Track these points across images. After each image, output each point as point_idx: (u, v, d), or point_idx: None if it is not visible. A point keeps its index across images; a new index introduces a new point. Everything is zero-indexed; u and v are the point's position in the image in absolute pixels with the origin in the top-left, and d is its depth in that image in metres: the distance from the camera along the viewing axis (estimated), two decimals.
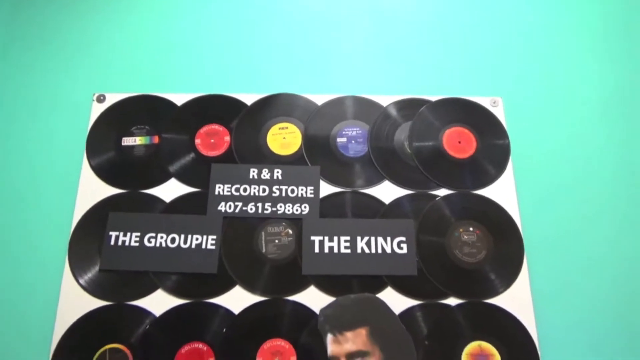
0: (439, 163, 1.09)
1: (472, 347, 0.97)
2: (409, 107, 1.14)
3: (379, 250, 1.01)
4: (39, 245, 0.99)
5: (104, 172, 1.04)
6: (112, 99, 1.10)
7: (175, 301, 0.95)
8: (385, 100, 1.14)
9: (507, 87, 1.18)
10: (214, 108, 1.11)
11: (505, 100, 1.15)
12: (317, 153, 1.08)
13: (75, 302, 0.94)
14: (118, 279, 0.96)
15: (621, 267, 1.04)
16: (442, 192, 1.07)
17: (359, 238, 1.01)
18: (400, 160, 1.09)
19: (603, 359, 0.97)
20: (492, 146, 1.11)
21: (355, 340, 0.94)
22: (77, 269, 0.96)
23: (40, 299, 0.95)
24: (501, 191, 1.07)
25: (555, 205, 1.08)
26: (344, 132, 1.10)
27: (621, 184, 1.11)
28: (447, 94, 1.15)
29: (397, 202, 1.05)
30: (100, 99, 1.09)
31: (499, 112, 1.14)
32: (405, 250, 1.01)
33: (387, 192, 1.06)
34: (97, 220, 1.00)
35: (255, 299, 0.96)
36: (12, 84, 1.12)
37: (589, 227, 1.07)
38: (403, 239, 1.02)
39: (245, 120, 1.10)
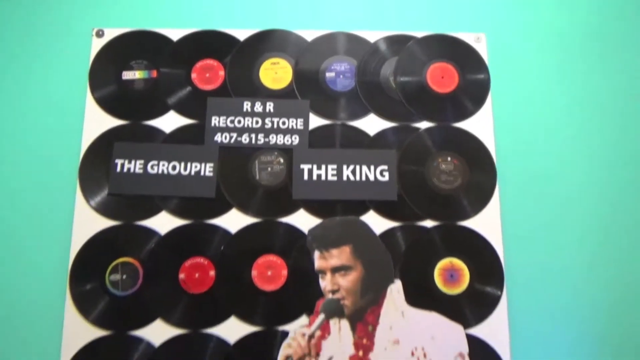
0: (422, 97, 1.16)
1: (444, 263, 1.08)
2: (396, 43, 1.19)
3: (363, 178, 1.10)
4: (50, 172, 1.08)
5: (107, 105, 1.11)
6: (110, 34, 1.14)
7: (178, 222, 1.06)
8: (373, 36, 1.19)
9: (490, 24, 1.22)
10: (209, 43, 1.16)
11: (488, 36, 1.20)
12: (307, 87, 1.15)
13: (88, 222, 1.05)
14: (126, 202, 1.07)
15: (589, 200, 1.14)
16: (424, 124, 1.15)
17: (344, 166, 1.10)
18: (385, 95, 1.16)
19: (563, 276, 1.10)
20: (473, 81, 1.17)
21: (339, 256, 1.06)
22: (88, 193, 1.06)
23: (56, 220, 1.06)
24: (479, 125, 1.15)
25: (531, 140, 1.16)
26: (332, 67, 1.16)
27: (600, 123, 1.18)
28: (433, 31, 1.20)
29: (381, 133, 1.13)
30: (99, 34, 1.14)
31: (481, 49, 1.19)
32: (387, 178, 1.10)
33: (372, 124, 1.13)
34: (103, 148, 1.08)
35: (250, 220, 1.07)
36: (11, 20, 1.16)
37: (562, 165, 1.15)
38: (385, 167, 1.10)
39: (239, 56, 1.16)
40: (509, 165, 1.14)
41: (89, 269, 1.03)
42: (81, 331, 1.00)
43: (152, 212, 1.06)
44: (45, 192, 1.08)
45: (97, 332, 1.00)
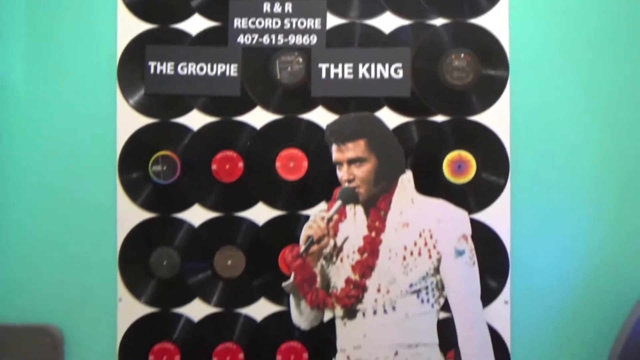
0: None
1: (452, 155, 1.17)
2: None
3: (378, 76, 1.16)
4: (91, 76, 1.19)
5: (136, 9, 1.18)
6: None
7: (208, 119, 1.17)
8: None
9: None
10: None
11: None
12: None
13: (130, 120, 1.17)
14: (161, 101, 1.18)
15: (599, 96, 1.17)
16: (439, 21, 1.17)
17: (360, 65, 1.16)
18: None
19: (568, 168, 1.16)
20: None
21: (355, 149, 1.16)
22: (127, 94, 1.17)
23: (102, 118, 1.18)
24: (494, 20, 1.16)
25: (546, 36, 1.17)
26: None
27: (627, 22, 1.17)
28: None
29: (396, 31, 1.17)
30: None
31: None
32: (400, 75, 1.16)
33: (387, 22, 1.16)
34: (137, 51, 1.17)
35: (272, 117, 1.17)
36: None
37: (576, 61, 1.17)
38: (399, 65, 1.15)
39: None
40: (521, 61, 1.16)
41: (134, 161, 1.17)
42: (132, 214, 1.17)
43: (184, 110, 1.17)
44: (90, 94, 1.19)
45: (145, 215, 1.17)
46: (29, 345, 1.13)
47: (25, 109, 1.19)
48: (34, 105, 1.19)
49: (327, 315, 1.16)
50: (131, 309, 1.16)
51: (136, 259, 1.17)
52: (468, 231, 1.15)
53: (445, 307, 1.14)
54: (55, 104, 1.19)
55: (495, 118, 1.15)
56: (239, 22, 1.16)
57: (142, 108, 1.17)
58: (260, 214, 1.16)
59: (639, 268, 1.13)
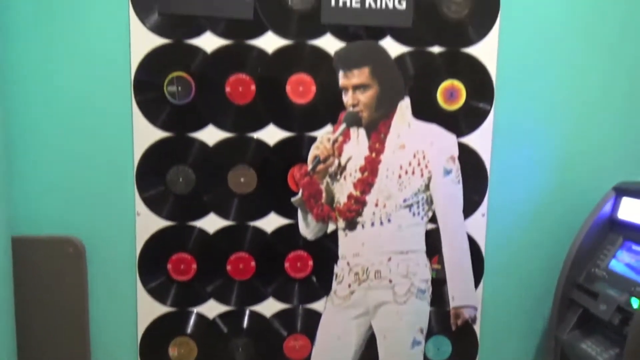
0: None
1: (446, 83, 1.29)
2: None
3: (383, 6, 1.23)
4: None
5: None
6: None
7: (221, 41, 1.20)
8: None
9: None
10: None
11: None
12: None
13: (144, 40, 1.18)
14: (175, 21, 1.19)
15: (580, 36, 1.31)
16: None
17: None
18: None
19: (546, 96, 1.31)
20: None
21: (359, 76, 1.25)
22: (141, 13, 1.18)
23: (113, 34, 1.18)
24: None
25: None
26: None
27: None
28: None
29: None
30: None
31: None
32: (404, 7, 1.23)
33: None
34: None
35: (284, 41, 1.22)
36: None
37: (564, 9, 1.29)
38: None
39: None
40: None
41: (149, 81, 1.20)
42: (148, 133, 1.21)
43: (198, 31, 1.20)
44: (102, 14, 1.18)
45: (161, 134, 1.22)
46: (53, 255, 1.19)
47: (37, 33, 1.18)
48: (46, 28, 1.18)
49: (331, 227, 1.30)
50: (149, 223, 1.24)
51: (153, 175, 1.23)
52: (456, 153, 1.30)
53: (433, 219, 1.31)
54: (66, 26, 1.18)
55: (485, 51, 1.27)
56: None
57: (156, 28, 1.18)
58: (271, 134, 1.25)
59: (595, 182, 1.34)
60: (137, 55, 1.19)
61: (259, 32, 1.21)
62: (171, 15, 1.18)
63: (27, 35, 1.17)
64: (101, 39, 1.19)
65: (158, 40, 1.19)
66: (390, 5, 1.23)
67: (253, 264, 1.29)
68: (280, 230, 1.28)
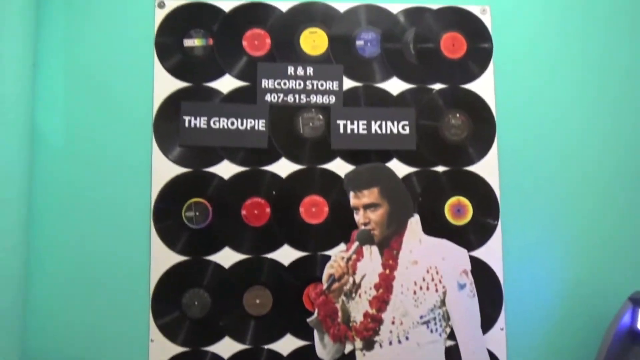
0: (436, 62, 1.37)
1: (452, 200, 1.34)
2: (415, 14, 1.38)
3: (388, 131, 1.33)
4: (129, 129, 1.28)
5: (172, 69, 1.29)
6: (170, 5, 1.30)
7: (237, 168, 1.28)
8: (394, 8, 1.37)
9: None
10: (256, 14, 1.33)
11: (492, 9, 1.40)
12: (341, 53, 1.34)
13: (164, 169, 1.26)
14: (194, 152, 1.28)
15: (572, 147, 1.40)
16: (437, 86, 1.36)
17: (372, 122, 1.32)
18: (405, 60, 1.36)
19: (548, 208, 1.36)
20: (479, 49, 1.38)
21: (369, 195, 1.31)
22: (162, 145, 1.27)
23: (136, 165, 1.26)
24: (483, 86, 1.37)
25: (527, 101, 1.39)
26: (361, 36, 1.35)
27: (593, 84, 1.41)
28: (445, 3, 1.39)
29: (402, 94, 1.35)
30: (161, 5, 1.30)
31: (487, 20, 1.40)
32: (407, 132, 1.33)
33: (394, 86, 1.35)
34: (172, 107, 1.28)
35: (296, 167, 1.30)
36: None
37: (554, 128, 1.39)
38: (406, 122, 1.33)
39: (281, 25, 1.33)
40: (506, 120, 1.38)
41: (168, 208, 1.26)
42: (166, 258, 1.24)
43: (216, 160, 1.28)
44: (127, 145, 1.27)
45: (178, 258, 1.24)
46: None
47: (63, 162, 1.26)
48: (72, 159, 1.26)
49: (348, 348, 1.27)
50: (163, 349, 1.22)
51: (168, 300, 1.24)
52: (468, 266, 1.32)
53: (451, 335, 1.28)
54: (93, 156, 1.26)
55: (486, 168, 1.35)
56: (266, 83, 1.30)
57: (176, 158, 1.27)
58: (286, 255, 1.27)
59: (610, 292, 1.34)
60: (158, 184, 1.26)
61: (273, 158, 1.30)
62: (192, 147, 1.28)
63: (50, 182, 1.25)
64: (124, 168, 1.26)
65: (178, 170, 1.27)
66: (395, 131, 1.33)
67: None
68: (296, 353, 1.25)
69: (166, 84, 1.29)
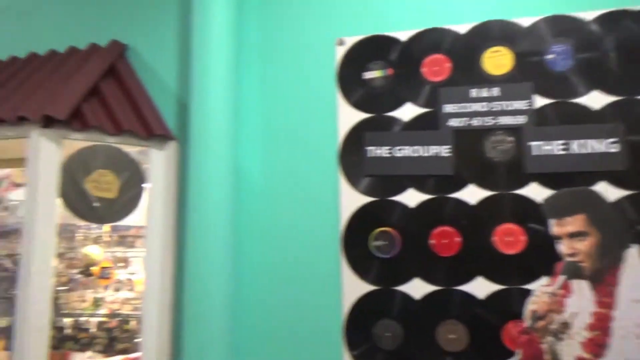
0: None
1: None
2: (613, 19, 1.23)
3: (590, 150, 1.18)
4: (316, 161, 1.33)
5: (354, 102, 1.33)
6: (349, 42, 1.36)
7: (423, 196, 1.25)
8: (587, 15, 1.24)
9: None
10: (434, 40, 1.31)
11: None
12: (528, 70, 1.25)
13: (351, 199, 1.28)
14: (379, 181, 1.28)
15: None
16: None
17: (571, 141, 1.19)
18: (607, 70, 1.21)
19: None
20: None
21: (574, 223, 1.16)
22: (348, 175, 1.30)
23: (326, 199, 1.30)
24: None
25: None
26: (552, 49, 1.25)
27: None
28: None
29: (605, 108, 1.20)
30: (341, 42, 1.36)
31: None
32: (614, 149, 1.17)
33: (595, 99, 1.20)
34: (356, 138, 1.31)
35: (486, 193, 1.22)
36: (269, 38, 1.43)
37: None
38: (613, 139, 1.17)
39: (461, 48, 1.29)
40: None
41: (356, 237, 1.27)
42: (356, 286, 1.24)
43: (401, 188, 1.26)
44: (316, 178, 1.32)
45: (368, 287, 1.23)
46: None
47: (262, 198, 1.36)
48: (269, 195, 1.36)
49: None
50: None
51: (360, 331, 1.22)
52: None
53: None
54: (288, 193, 1.34)
55: None
56: (448, 108, 1.26)
57: (362, 188, 1.28)
58: (480, 287, 1.18)
59: None
60: (346, 214, 1.28)
61: (460, 185, 1.24)
62: (375, 175, 1.28)
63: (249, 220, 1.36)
64: (315, 201, 1.32)
65: (364, 199, 1.28)
66: (600, 149, 1.18)
67: None
68: None
69: (349, 117, 1.32)
